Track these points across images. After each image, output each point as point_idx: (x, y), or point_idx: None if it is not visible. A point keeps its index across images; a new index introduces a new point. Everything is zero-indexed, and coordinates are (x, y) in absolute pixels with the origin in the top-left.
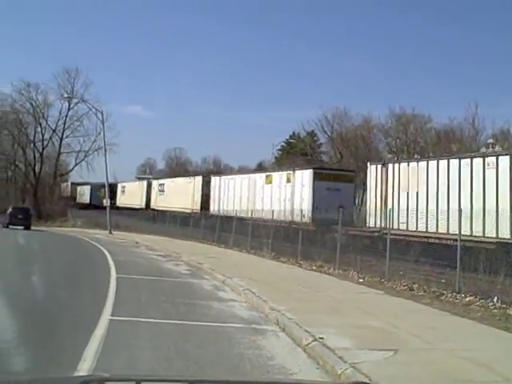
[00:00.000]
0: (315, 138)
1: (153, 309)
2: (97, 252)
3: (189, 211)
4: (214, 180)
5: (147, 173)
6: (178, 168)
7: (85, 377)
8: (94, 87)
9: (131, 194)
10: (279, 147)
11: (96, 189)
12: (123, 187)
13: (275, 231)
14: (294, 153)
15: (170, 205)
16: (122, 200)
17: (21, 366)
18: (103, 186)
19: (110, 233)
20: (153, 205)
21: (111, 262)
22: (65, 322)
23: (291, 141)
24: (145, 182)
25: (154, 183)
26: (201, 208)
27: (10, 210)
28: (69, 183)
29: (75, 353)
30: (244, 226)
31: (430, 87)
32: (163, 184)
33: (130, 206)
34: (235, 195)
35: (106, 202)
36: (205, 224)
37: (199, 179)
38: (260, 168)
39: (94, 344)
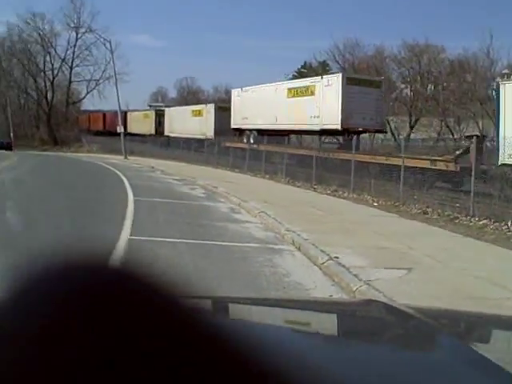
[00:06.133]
0: (327, 68)
1: (170, 229)
2: (113, 176)
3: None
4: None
5: (159, 101)
6: (189, 97)
7: None
8: (101, 17)
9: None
10: (291, 77)
11: None
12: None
13: (290, 156)
14: None
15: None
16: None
17: None
18: None
19: (126, 158)
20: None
21: (128, 186)
22: (85, 244)
23: (303, 70)
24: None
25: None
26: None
27: None
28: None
29: None
30: (258, 152)
31: (442, 18)
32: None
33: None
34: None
35: (120, 128)
36: (218, 150)
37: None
38: None
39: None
